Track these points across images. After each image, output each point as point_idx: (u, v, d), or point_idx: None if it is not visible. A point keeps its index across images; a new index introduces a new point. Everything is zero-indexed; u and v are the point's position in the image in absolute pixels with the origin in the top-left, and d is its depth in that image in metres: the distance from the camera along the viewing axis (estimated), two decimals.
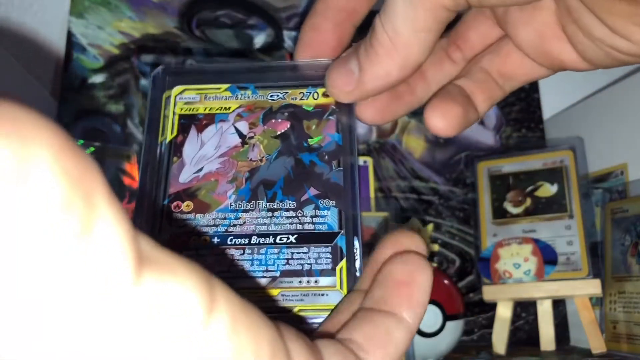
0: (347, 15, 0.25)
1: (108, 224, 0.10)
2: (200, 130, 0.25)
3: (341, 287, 0.23)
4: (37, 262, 0.09)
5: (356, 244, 0.24)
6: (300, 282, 0.23)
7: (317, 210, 0.24)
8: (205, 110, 0.25)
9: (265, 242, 0.23)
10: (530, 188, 0.54)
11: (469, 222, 0.59)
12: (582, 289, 0.49)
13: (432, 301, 0.49)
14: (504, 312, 0.51)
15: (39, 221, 0.09)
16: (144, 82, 0.56)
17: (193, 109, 0.25)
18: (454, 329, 0.49)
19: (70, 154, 0.10)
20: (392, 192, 0.59)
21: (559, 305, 0.57)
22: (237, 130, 0.25)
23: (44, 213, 0.09)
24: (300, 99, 0.26)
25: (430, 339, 0.48)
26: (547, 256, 0.50)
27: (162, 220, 0.24)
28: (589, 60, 0.24)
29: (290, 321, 0.22)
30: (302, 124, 0.25)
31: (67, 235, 0.10)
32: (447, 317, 0.48)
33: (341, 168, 0.25)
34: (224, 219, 0.24)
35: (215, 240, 0.23)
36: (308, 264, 0.23)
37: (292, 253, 0.23)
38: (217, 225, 0.23)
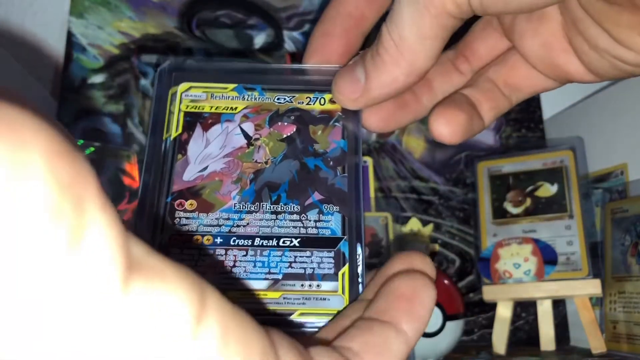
0: (356, 22, 0.26)
1: (98, 231, 0.10)
2: (205, 128, 0.25)
3: (343, 293, 0.23)
4: (24, 272, 0.09)
5: (359, 250, 0.23)
6: (302, 285, 0.23)
7: (321, 215, 0.24)
8: (211, 109, 0.25)
9: (268, 244, 0.23)
10: (530, 188, 0.54)
11: (469, 222, 0.59)
12: (582, 289, 0.49)
13: None
14: (504, 312, 0.51)
15: (27, 231, 0.09)
16: (144, 82, 0.56)
17: (199, 106, 0.25)
18: (454, 329, 0.49)
19: (62, 158, 0.10)
20: (392, 192, 0.59)
21: (559, 305, 0.57)
22: (243, 131, 0.25)
23: (32, 223, 0.09)
24: (307, 104, 0.26)
25: (430, 339, 0.48)
26: (547, 256, 0.51)
27: (164, 217, 0.23)
28: (595, 72, 0.24)
29: (290, 324, 0.22)
30: (308, 129, 0.25)
31: (55, 245, 0.10)
32: (447, 317, 0.48)
33: (346, 174, 0.25)
34: (228, 219, 0.24)
35: (219, 240, 0.23)
36: (311, 268, 0.23)
37: (295, 256, 0.23)
38: (220, 226, 0.23)
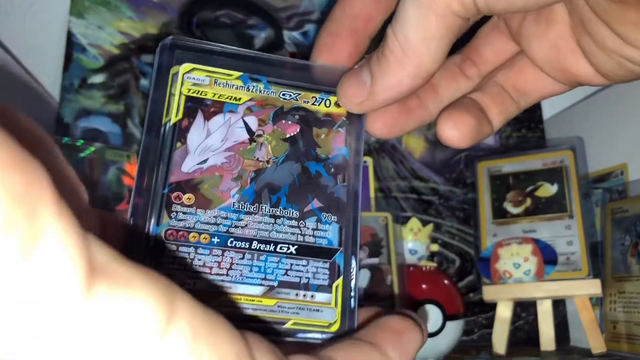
0: (363, 22, 0.25)
1: (54, 239, 0.10)
2: (207, 117, 0.24)
3: (335, 305, 0.22)
4: None
5: (353, 263, 0.23)
6: (297, 295, 0.22)
7: (319, 224, 0.23)
8: (214, 96, 0.24)
9: (266, 249, 0.23)
10: (530, 188, 0.54)
11: (469, 222, 0.59)
12: (582, 289, 0.49)
13: (432, 301, 0.49)
14: (504, 312, 0.51)
15: None
16: (144, 82, 0.56)
17: (201, 92, 0.24)
18: (454, 329, 0.49)
19: (14, 168, 0.10)
20: (392, 192, 0.59)
21: (559, 305, 0.57)
22: (246, 125, 0.24)
23: None
24: (312, 104, 0.25)
25: (430, 339, 0.48)
26: (547, 256, 0.51)
27: (161, 209, 0.22)
28: (604, 74, 0.24)
29: (283, 334, 0.22)
30: (312, 131, 0.25)
31: (7, 255, 0.10)
32: (447, 317, 0.48)
33: (345, 184, 0.24)
34: (226, 218, 0.23)
35: (216, 240, 0.22)
36: (306, 277, 0.23)
37: (292, 264, 0.23)
38: (218, 224, 0.23)
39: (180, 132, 0.23)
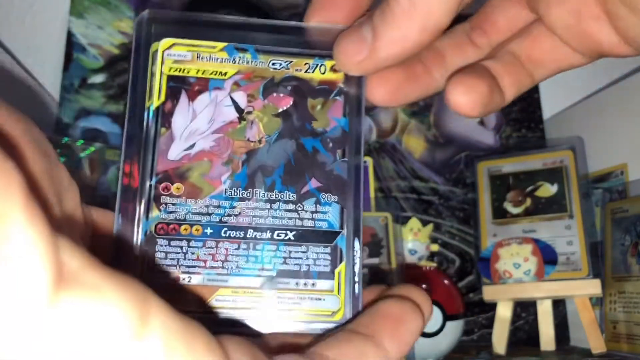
0: None
1: (21, 245, 0.10)
2: (192, 97, 0.22)
3: (339, 293, 0.21)
4: None
5: (356, 246, 0.22)
6: (297, 284, 0.21)
7: (318, 206, 0.22)
8: (197, 73, 0.22)
9: (262, 237, 0.21)
10: (530, 188, 0.54)
11: (469, 222, 0.59)
12: (582, 289, 0.49)
13: (432, 301, 0.49)
14: (504, 312, 0.51)
15: None
16: None
17: (184, 69, 0.22)
18: (454, 329, 0.49)
19: None
20: (392, 192, 0.59)
21: (559, 305, 0.57)
22: (234, 102, 0.22)
23: None
24: (306, 71, 0.23)
25: (430, 339, 0.48)
26: (547, 256, 0.50)
27: (149, 202, 0.21)
28: (631, 41, 0.22)
29: (283, 327, 0.21)
30: (307, 102, 0.23)
31: None
32: (447, 317, 0.48)
33: (346, 159, 0.22)
34: (218, 207, 0.21)
35: (208, 231, 0.21)
36: (306, 264, 0.21)
37: (290, 252, 0.21)
38: (210, 214, 0.21)
39: (164, 116, 0.22)
